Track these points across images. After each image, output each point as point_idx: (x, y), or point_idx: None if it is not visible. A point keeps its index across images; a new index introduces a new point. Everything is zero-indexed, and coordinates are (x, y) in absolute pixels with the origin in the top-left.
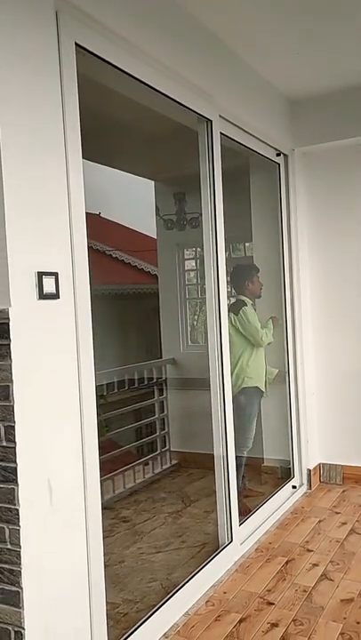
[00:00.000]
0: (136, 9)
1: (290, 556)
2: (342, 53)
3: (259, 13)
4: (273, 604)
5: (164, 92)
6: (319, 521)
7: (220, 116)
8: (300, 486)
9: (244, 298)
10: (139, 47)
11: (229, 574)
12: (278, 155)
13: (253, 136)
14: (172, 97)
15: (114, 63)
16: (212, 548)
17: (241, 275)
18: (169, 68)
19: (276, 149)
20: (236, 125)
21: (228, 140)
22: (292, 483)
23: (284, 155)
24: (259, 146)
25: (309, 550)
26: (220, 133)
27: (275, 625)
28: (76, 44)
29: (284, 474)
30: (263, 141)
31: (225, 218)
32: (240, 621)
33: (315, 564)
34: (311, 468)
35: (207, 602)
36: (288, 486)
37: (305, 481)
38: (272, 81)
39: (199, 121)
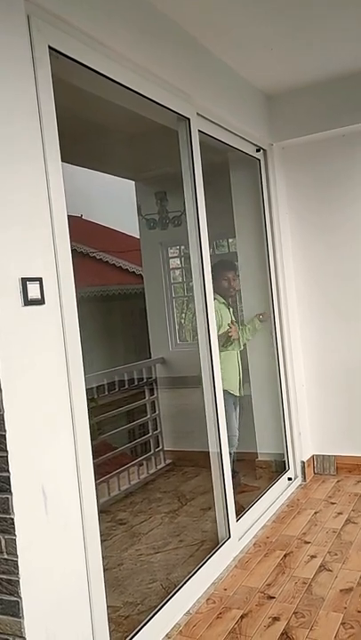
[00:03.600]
0: (109, 10)
1: (288, 549)
2: (316, 47)
3: (232, 10)
4: (273, 597)
5: (140, 92)
6: (315, 512)
7: (197, 113)
8: (295, 478)
9: (216, 296)
10: (113, 49)
11: (229, 570)
12: (258, 150)
13: (232, 132)
14: (148, 97)
15: (89, 65)
16: (211, 545)
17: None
18: (144, 69)
19: (255, 145)
20: (214, 122)
21: (208, 137)
22: (288, 475)
23: (263, 150)
24: (238, 142)
25: (307, 542)
26: (199, 131)
27: (276, 619)
28: (50, 47)
29: (278, 467)
30: (242, 137)
31: (207, 215)
32: (242, 617)
33: (313, 556)
34: (305, 460)
35: (208, 600)
36: (283, 479)
37: (299, 473)
38: (248, 77)
39: (178, 120)
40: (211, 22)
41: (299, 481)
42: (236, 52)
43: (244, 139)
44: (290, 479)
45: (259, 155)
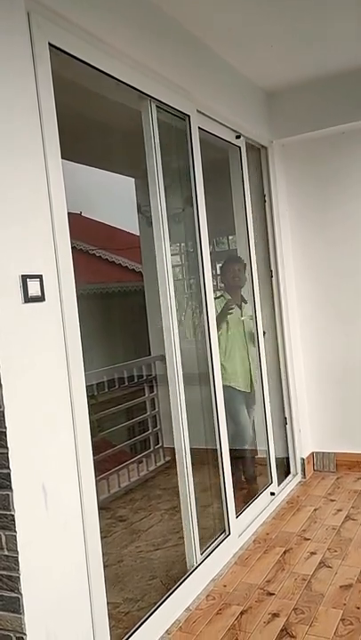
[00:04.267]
0: (109, 7)
1: (288, 545)
2: (316, 45)
3: (232, 7)
4: (273, 594)
5: (140, 89)
6: (315, 509)
7: (197, 110)
8: (294, 475)
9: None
10: (113, 45)
11: (229, 567)
12: (238, 137)
13: (232, 129)
14: (149, 94)
15: (89, 62)
16: (210, 542)
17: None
18: (145, 66)
19: (235, 132)
20: (213, 120)
21: (208, 134)
22: (270, 489)
23: (263, 147)
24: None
25: (307, 539)
26: (199, 128)
27: (276, 615)
28: (50, 44)
29: (277, 464)
30: (242, 134)
31: (207, 212)
32: (241, 613)
33: (313, 553)
34: (305, 457)
35: (208, 596)
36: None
37: (299, 470)
38: (248, 74)
39: (177, 116)
40: (210, 19)
41: (299, 478)
42: (236, 50)
43: (243, 135)
44: (272, 494)
45: (239, 142)
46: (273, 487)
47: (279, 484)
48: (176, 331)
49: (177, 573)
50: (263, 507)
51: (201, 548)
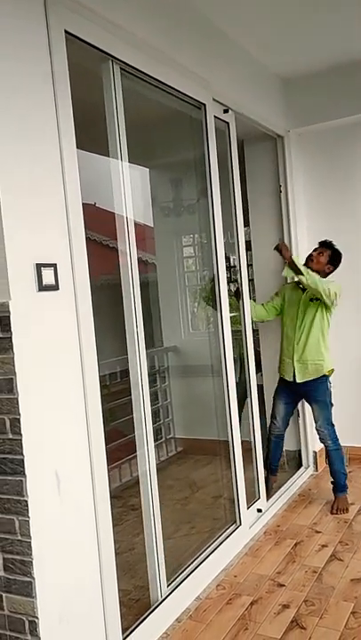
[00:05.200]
0: None
1: (298, 538)
2: (334, 31)
3: None
4: (283, 585)
5: (156, 77)
6: (326, 502)
7: (213, 99)
8: (306, 468)
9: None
10: (130, 32)
11: (239, 558)
12: (226, 111)
13: (248, 118)
14: (165, 82)
15: (105, 50)
16: (221, 532)
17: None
18: (161, 53)
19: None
20: (230, 108)
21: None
22: (257, 506)
23: (280, 136)
24: (254, 129)
25: (318, 532)
26: (215, 117)
27: (286, 606)
28: (66, 31)
29: (289, 457)
30: (259, 123)
31: (222, 203)
32: (251, 604)
33: (324, 545)
34: (317, 451)
35: (218, 586)
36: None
37: (311, 463)
38: (265, 62)
39: (193, 105)
40: (227, 6)
41: (311, 471)
42: (253, 37)
43: (259, 124)
44: (259, 510)
45: (228, 116)
46: (261, 503)
47: (291, 477)
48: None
49: (187, 562)
50: (288, 485)
51: (211, 539)
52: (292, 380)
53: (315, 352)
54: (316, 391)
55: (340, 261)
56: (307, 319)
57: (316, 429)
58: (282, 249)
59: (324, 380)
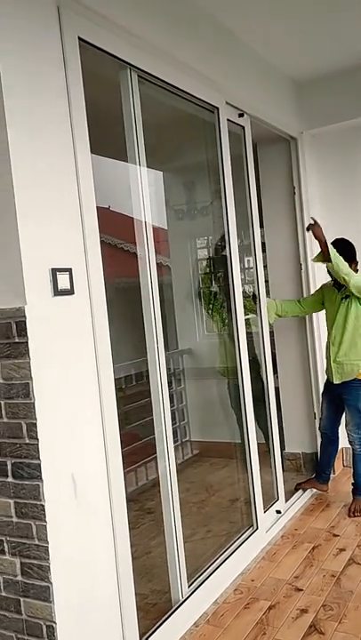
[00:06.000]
0: (139, 1)
1: (316, 541)
2: (346, 32)
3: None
4: (301, 590)
5: (169, 81)
6: (344, 505)
7: (226, 102)
8: None
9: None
10: (143, 38)
11: (256, 562)
12: (241, 115)
13: (262, 121)
14: (178, 86)
15: (118, 56)
16: (238, 536)
17: None
18: (174, 58)
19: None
20: (245, 112)
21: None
22: (276, 507)
23: (293, 138)
24: (267, 131)
25: (335, 535)
26: (230, 121)
27: (304, 611)
28: (80, 38)
29: (305, 460)
30: (272, 125)
31: (235, 205)
32: (269, 608)
33: (342, 549)
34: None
35: (235, 590)
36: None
37: None
38: (277, 64)
39: (205, 109)
40: (240, 9)
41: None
42: (264, 39)
43: (273, 126)
44: (278, 512)
45: (243, 120)
46: (280, 504)
47: (308, 480)
48: None
49: (204, 566)
50: (291, 502)
51: (228, 543)
52: (332, 380)
53: (350, 352)
54: (349, 395)
55: (355, 251)
56: (340, 318)
57: (347, 431)
58: (314, 230)
59: (357, 384)
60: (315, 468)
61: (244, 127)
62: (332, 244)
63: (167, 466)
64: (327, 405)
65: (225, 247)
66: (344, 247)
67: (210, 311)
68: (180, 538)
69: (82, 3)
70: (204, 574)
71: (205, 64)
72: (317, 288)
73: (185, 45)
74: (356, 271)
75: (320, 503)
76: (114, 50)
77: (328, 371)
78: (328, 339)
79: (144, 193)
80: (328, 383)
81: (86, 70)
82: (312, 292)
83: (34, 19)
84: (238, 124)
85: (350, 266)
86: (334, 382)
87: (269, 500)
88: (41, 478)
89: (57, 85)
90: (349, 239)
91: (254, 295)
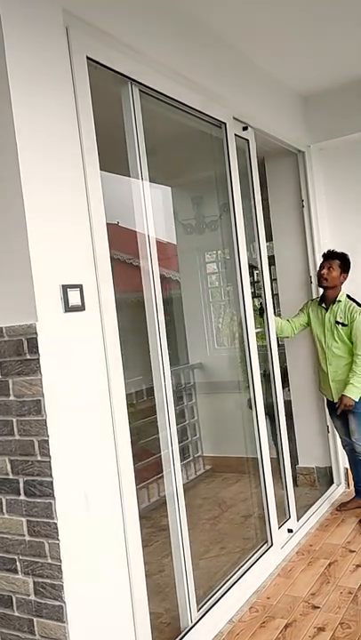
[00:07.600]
0: (144, 18)
1: (332, 557)
2: (352, 46)
3: (265, 12)
4: (318, 607)
5: (176, 98)
6: (360, 520)
7: (233, 117)
8: (338, 485)
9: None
10: (149, 56)
11: (272, 579)
12: (245, 129)
13: (268, 135)
14: (185, 102)
15: (124, 73)
16: (253, 553)
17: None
18: (181, 75)
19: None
20: (249, 125)
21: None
22: (288, 526)
23: (300, 151)
24: (275, 145)
25: (352, 551)
26: (235, 135)
27: (321, 629)
28: (88, 57)
29: (319, 474)
30: (279, 139)
31: (244, 218)
32: (286, 627)
33: (358, 565)
34: (348, 467)
35: (251, 608)
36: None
37: (343, 480)
38: (283, 79)
39: (213, 124)
40: (245, 25)
41: (342, 488)
42: (270, 54)
43: (280, 140)
44: (290, 531)
45: (247, 134)
46: (291, 523)
47: (322, 495)
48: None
49: (219, 584)
50: (320, 502)
51: (243, 560)
52: (331, 399)
53: (345, 368)
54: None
55: (350, 264)
56: (334, 338)
57: (353, 440)
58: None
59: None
60: (328, 482)
61: (248, 140)
62: (333, 257)
63: (174, 484)
64: (337, 420)
65: (233, 261)
66: (346, 264)
67: (220, 325)
68: (189, 561)
69: (90, 23)
70: (219, 593)
71: (213, 80)
72: (301, 308)
73: (192, 62)
74: (343, 281)
75: (335, 518)
76: (121, 68)
77: (325, 390)
78: (319, 358)
79: (147, 206)
80: (329, 403)
81: (92, 86)
82: None
83: (42, 41)
84: (243, 138)
85: (341, 275)
86: (335, 401)
87: (283, 515)
88: (53, 496)
89: (66, 103)
90: (357, 251)
91: (261, 308)
